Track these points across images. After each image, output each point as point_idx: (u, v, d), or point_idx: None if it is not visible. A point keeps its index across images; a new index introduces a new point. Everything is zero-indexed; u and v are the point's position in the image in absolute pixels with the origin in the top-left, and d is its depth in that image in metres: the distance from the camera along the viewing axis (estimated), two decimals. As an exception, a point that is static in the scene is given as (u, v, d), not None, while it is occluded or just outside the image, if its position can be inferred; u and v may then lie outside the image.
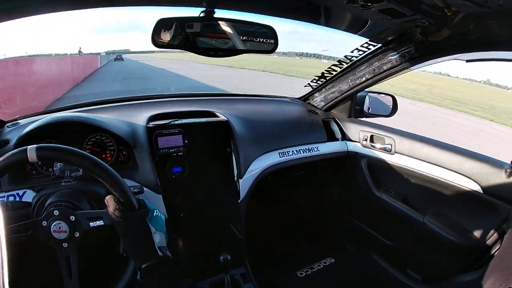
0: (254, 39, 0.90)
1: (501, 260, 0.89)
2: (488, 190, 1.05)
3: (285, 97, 1.67)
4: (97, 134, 1.06)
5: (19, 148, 0.69)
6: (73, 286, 0.74)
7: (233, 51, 0.90)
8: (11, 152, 0.69)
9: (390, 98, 1.46)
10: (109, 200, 0.70)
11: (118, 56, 23.90)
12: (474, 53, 1.05)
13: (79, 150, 0.74)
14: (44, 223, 0.71)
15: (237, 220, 1.16)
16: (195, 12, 0.90)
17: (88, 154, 0.74)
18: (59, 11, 0.89)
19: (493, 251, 1.05)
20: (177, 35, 0.88)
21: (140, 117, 1.12)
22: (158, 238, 0.73)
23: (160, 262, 0.68)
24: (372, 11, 0.92)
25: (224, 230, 1.17)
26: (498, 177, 1.03)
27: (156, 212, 0.77)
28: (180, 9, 0.97)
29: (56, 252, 0.75)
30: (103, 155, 1.06)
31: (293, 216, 1.75)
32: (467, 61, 1.14)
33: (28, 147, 0.69)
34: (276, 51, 0.97)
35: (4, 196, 0.86)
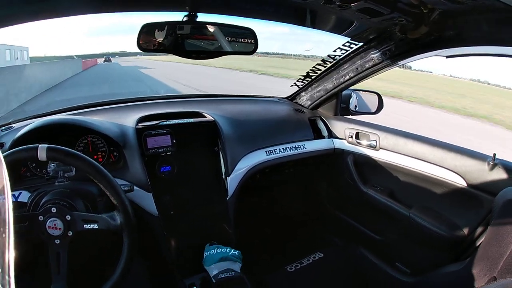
0: (235, 41, 0.93)
1: (485, 250, 0.92)
2: (472, 183, 1.08)
3: (272, 97, 1.69)
4: (88, 136, 1.09)
5: (30, 145, 0.74)
6: (61, 281, 0.77)
7: (215, 53, 0.93)
8: (21, 147, 0.73)
9: (376, 96, 1.49)
10: None
11: (107, 58, 27.96)
12: (453, 48, 1.07)
13: (87, 157, 0.79)
14: (41, 218, 0.76)
15: (226, 217, 1.18)
16: (178, 16, 0.93)
17: (95, 162, 0.79)
18: (47, 18, 0.92)
19: (477, 242, 1.07)
20: (161, 39, 0.92)
21: (129, 119, 1.16)
22: None
23: None
24: (351, 11, 0.95)
25: (213, 227, 1.19)
26: (480, 170, 1.05)
27: None
28: (164, 14, 1.00)
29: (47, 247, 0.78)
30: (95, 156, 1.10)
31: (282, 212, 1.77)
32: (447, 56, 1.16)
33: (39, 145, 0.73)
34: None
35: None
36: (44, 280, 0.78)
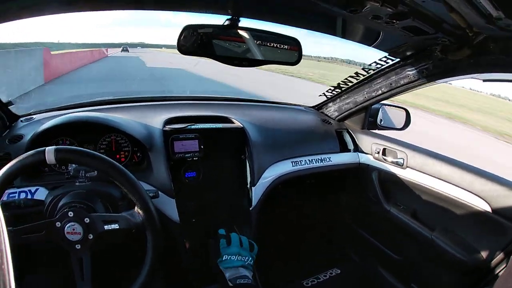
0: (280, 50, 0.90)
1: (506, 280, 0.90)
2: (497, 210, 1.06)
3: (299, 105, 1.66)
4: (112, 134, 1.06)
5: (36, 149, 0.69)
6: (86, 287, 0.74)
7: (257, 62, 0.90)
8: (28, 153, 0.69)
9: (404, 111, 1.46)
10: None
11: (124, 48, 28.44)
12: (492, 73, 1.05)
13: (100, 154, 0.75)
14: (58, 224, 0.72)
15: (248, 227, 1.15)
16: (219, 19, 0.90)
17: (112, 160, 0.74)
18: (77, 11, 0.87)
19: (498, 271, 1.05)
20: (201, 42, 0.88)
21: (156, 120, 1.12)
22: None
23: None
24: (395, 28, 0.93)
25: None
26: (507, 198, 1.03)
27: None
28: (204, 16, 0.97)
29: (68, 253, 0.75)
30: (117, 156, 1.06)
31: (302, 225, 1.74)
32: (484, 80, 1.15)
33: (47, 148, 0.69)
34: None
35: (15, 192, 0.85)
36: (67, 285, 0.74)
